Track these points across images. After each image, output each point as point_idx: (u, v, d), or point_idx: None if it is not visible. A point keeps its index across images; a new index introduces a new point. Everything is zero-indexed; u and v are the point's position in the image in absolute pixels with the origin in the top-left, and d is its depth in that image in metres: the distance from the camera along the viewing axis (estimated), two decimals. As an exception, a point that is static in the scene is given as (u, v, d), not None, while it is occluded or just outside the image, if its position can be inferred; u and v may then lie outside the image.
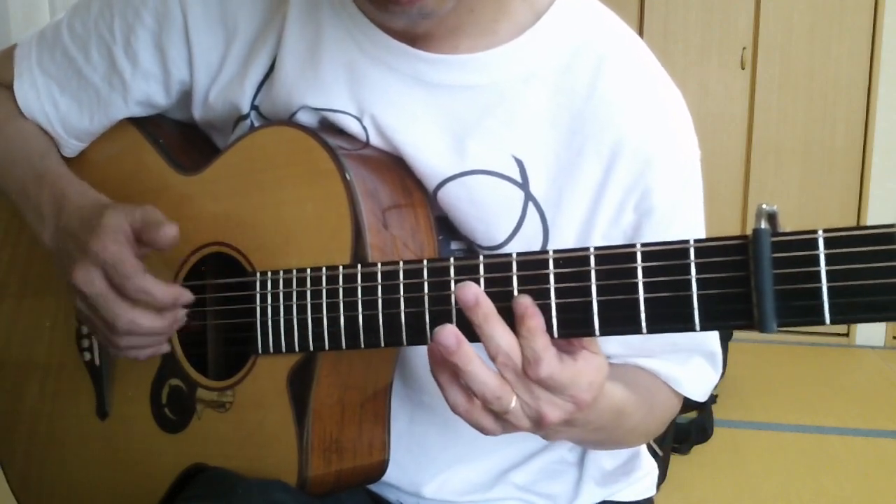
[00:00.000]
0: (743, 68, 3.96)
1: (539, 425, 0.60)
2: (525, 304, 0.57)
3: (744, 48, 3.95)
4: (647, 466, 0.95)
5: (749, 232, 0.52)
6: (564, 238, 0.76)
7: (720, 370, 0.84)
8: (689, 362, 0.81)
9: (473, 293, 0.57)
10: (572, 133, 0.75)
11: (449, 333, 0.57)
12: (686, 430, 2.52)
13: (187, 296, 0.75)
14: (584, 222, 0.76)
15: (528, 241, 0.77)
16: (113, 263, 0.72)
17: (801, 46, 3.90)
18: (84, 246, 0.73)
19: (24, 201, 0.85)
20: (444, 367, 0.59)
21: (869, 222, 3.85)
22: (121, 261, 0.72)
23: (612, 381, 0.64)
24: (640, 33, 3.93)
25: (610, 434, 0.72)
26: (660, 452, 2.29)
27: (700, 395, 0.83)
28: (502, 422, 0.60)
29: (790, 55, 3.91)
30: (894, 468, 2.51)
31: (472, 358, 0.57)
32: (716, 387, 3.25)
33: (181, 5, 0.82)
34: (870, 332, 3.85)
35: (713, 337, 0.83)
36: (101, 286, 0.73)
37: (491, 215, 0.76)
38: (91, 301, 0.74)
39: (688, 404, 0.87)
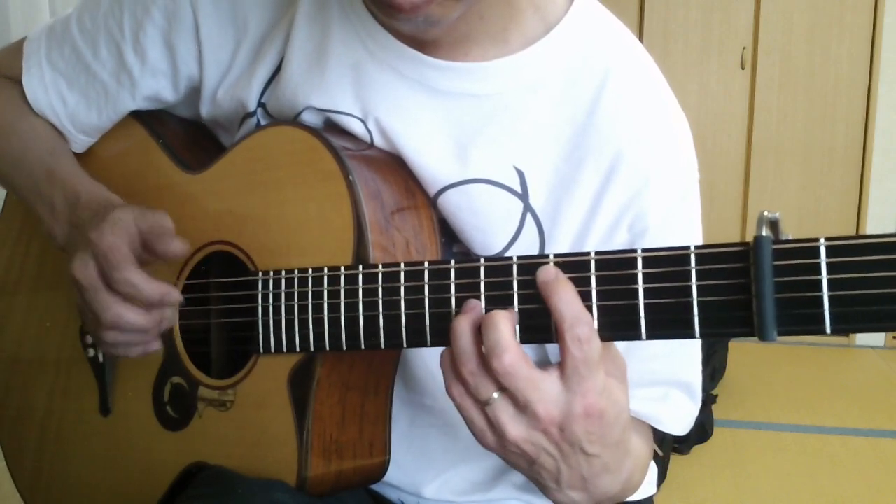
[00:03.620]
0: (743, 68, 3.96)
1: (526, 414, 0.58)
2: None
3: (744, 48, 3.96)
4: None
5: (749, 234, 0.52)
6: (559, 250, 0.75)
7: (699, 401, 0.82)
8: (667, 398, 0.79)
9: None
10: (574, 146, 0.75)
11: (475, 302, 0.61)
12: (686, 430, 2.52)
13: (175, 295, 0.74)
14: (578, 236, 0.75)
15: (524, 252, 0.75)
16: (104, 253, 0.71)
17: (801, 46, 3.90)
18: (86, 237, 0.73)
19: (36, 199, 0.85)
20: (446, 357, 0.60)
21: (869, 222, 3.86)
22: (112, 250, 0.71)
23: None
24: (640, 33, 3.94)
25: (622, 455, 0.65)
26: (660, 452, 2.28)
27: (680, 431, 0.81)
28: (487, 417, 0.59)
29: (790, 55, 3.92)
30: (894, 468, 2.51)
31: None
32: (716, 387, 3.24)
33: (191, 2, 0.82)
34: (870, 332, 3.86)
35: (692, 368, 0.81)
36: (93, 276, 0.72)
37: (489, 225, 0.76)
38: (83, 292, 0.73)
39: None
